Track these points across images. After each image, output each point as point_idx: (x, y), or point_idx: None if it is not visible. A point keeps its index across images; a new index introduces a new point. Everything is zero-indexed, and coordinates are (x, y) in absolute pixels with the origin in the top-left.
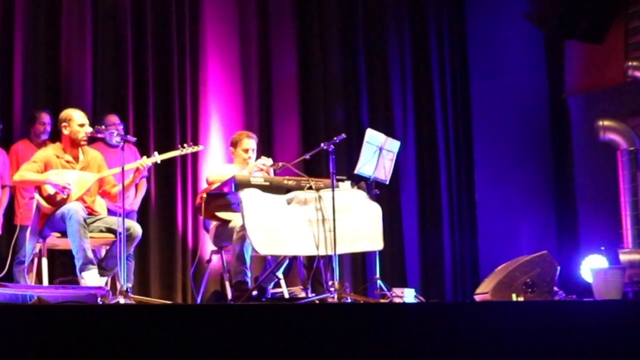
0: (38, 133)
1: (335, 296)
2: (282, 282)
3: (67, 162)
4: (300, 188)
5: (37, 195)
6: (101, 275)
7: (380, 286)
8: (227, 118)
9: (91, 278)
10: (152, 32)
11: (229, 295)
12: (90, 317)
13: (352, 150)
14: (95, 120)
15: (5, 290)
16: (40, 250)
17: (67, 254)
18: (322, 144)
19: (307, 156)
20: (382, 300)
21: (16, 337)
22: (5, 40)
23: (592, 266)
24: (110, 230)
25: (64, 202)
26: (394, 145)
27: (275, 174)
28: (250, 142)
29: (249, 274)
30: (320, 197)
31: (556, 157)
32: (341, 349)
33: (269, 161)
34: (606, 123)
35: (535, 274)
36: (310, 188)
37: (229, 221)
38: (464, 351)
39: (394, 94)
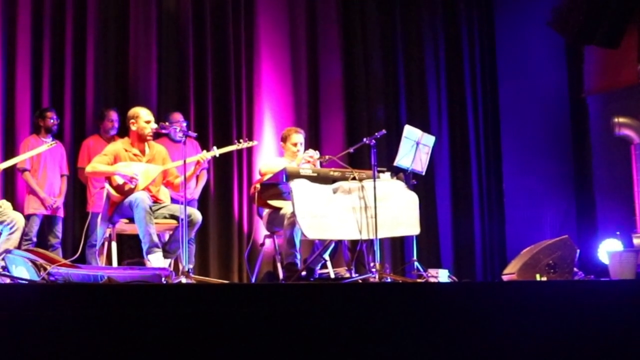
0: (107, 129)
1: (377, 276)
2: (329, 263)
3: (135, 155)
4: (344, 178)
5: (107, 185)
6: (165, 257)
7: (417, 267)
8: (279, 115)
9: (156, 260)
10: (211, 38)
11: (281, 276)
12: (155, 296)
13: (391, 144)
14: (160, 117)
15: (78, 270)
16: (110, 235)
17: (135, 238)
18: (364, 139)
19: (351, 150)
20: (418, 280)
21: (88, 313)
22: (79, 46)
23: (608, 249)
24: (173, 216)
25: (131, 191)
26: (429, 140)
27: (322, 165)
28: (298, 137)
29: (298, 256)
30: (363, 186)
31: (576, 150)
32: (381, 324)
33: (316, 154)
34: (621, 120)
35: (557, 256)
36: (354, 179)
37: (280, 208)
38: (492, 325)
39: (430, 94)
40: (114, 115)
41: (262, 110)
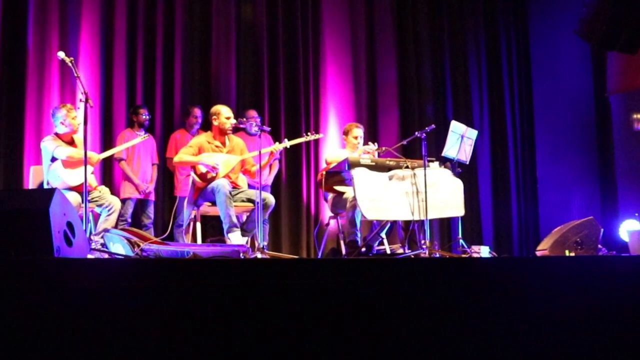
0: (191, 124)
1: (427, 252)
2: (385, 241)
3: (216, 147)
4: (399, 167)
5: (192, 173)
6: (243, 235)
7: (462, 244)
8: (341, 112)
9: (235, 238)
10: (283, 44)
11: (343, 251)
12: (234, 269)
13: (439, 137)
14: (238, 113)
15: (168, 247)
16: (195, 216)
17: (216, 219)
18: (416, 133)
19: (405, 142)
20: (463, 255)
21: (176, 284)
22: (168, 51)
23: (628, 228)
24: (250, 200)
25: (213, 178)
26: (472, 133)
27: (379, 156)
28: (358, 131)
29: (359, 235)
30: (415, 174)
31: (600, 143)
32: (431, 293)
33: (374, 146)
34: None
35: (583, 234)
36: (407, 167)
37: (343, 193)
38: (526, 294)
39: (473, 94)
40: (197, 112)
41: (327, 108)
